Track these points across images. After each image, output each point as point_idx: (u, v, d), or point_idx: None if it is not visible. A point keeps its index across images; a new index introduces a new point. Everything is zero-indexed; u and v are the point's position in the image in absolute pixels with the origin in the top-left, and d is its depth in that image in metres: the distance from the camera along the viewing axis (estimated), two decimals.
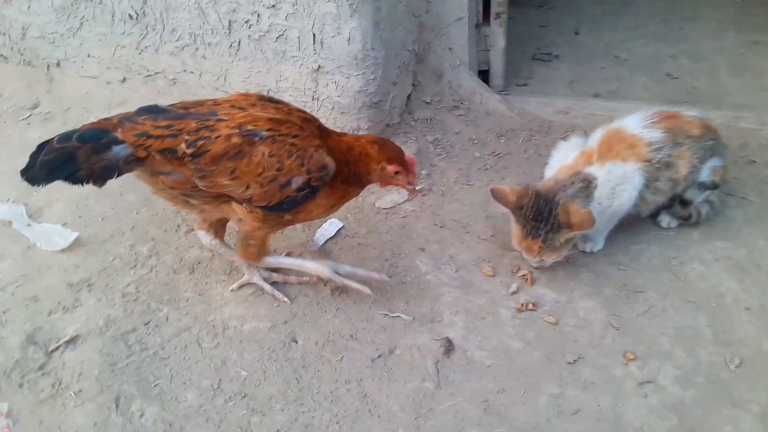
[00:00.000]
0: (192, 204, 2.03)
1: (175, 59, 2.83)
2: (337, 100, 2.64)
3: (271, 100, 2.04)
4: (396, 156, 2.03)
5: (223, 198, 1.97)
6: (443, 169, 2.79)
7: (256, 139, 1.87)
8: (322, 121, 2.68)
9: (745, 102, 3.17)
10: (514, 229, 2.21)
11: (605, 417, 1.84)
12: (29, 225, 2.48)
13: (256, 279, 2.25)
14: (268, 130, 1.88)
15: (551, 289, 2.23)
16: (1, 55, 3.13)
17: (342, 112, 2.66)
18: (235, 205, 1.97)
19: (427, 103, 3.01)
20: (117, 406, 1.91)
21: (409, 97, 2.95)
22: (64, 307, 2.18)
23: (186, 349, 2.06)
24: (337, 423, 1.86)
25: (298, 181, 1.90)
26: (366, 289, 2.14)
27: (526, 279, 2.26)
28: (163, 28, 2.76)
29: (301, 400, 1.92)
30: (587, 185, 2.18)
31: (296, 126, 1.94)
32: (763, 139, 2.85)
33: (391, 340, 2.08)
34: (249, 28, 2.62)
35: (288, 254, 2.37)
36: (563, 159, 2.31)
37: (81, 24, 2.86)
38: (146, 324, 2.13)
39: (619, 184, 2.21)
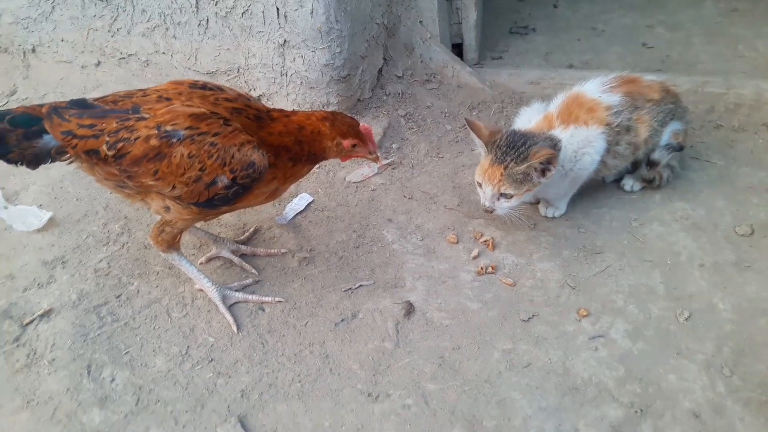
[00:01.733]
0: (127, 193, 2.03)
1: (147, 40, 2.87)
2: (305, 75, 2.68)
3: (204, 87, 1.98)
4: (350, 129, 1.99)
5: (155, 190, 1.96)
6: (414, 142, 2.83)
7: (174, 140, 1.82)
8: (291, 98, 2.77)
9: (717, 68, 3.20)
10: (482, 161, 2.20)
11: (555, 369, 1.90)
12: (5, 207, 2.53)
13: (225, 252, 2.30)
14: (187, 128, 1.83)
15: (511, 253, 2.28)
16: None
17: (311, 87, 2.70)
18: (167, 200, 1.95)
19: (399, 77, 3.04)
20: (89, 373, 1.97)
21: (380, 71, 2.98)
22: (38, 284, 2.24)
23: (156, 319, 2.12)
24: (299, 382, 1.92)
25: (223, 180, 1.86)
26: (272, 299, 2.16)
27: (488, 244, 2.31)
28: (133, 9, 2.80)
29: (265, 362, 1.98)
30: (552, 146, 2.21)
31: (220, 121, 1.87)
32: (729, 104, 2.87)
33: (355, 306, 2.14)
34: (216, 5, 2.65)
35: (198, 263, 2.30)
36: (526, 124, 2.33)
37: (53, 8, 2.91)
38: (117, 297, 2.20)
39: (581, 148, 2.24)
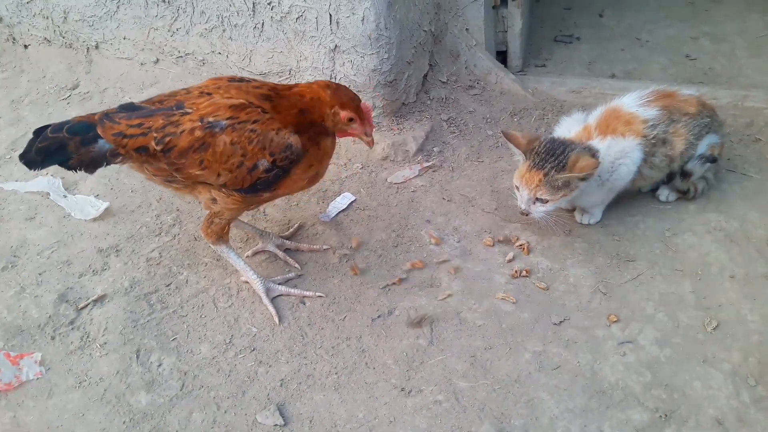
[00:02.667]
0: (176, 187, 2.16)
1: (204, 41, 3.01)
2: (353, 79, 2.78)
3: (241, 80, 2.10)
4: (350, 101, 2.02)
5: (201, 182, 2.08)
6: (455, 146, 2.91)
7: (217, 130, 1.95)
8: None
9: (760, 82, 3.18)
10: (520, 166, 2.26)
11: (583, 372, 1.96)
12: (65, 196, 2.70)
13: (270, 247, 2.42)
14: (228, 118, 1.96)
15: (546, 257, 2.34)
16: (45, 38, 3.36)
17: (358, 90, 2.78)
18: (213, 190, 2.08)
19: (443, 82, 3.12)
20: (137, 357, 2.11)
21: (425, 76, 3.07)
22: (93, 270, 2.39)
23: (202, 308, 2.25)
24: (336, 374, 2.03)
25: (264, 164, 1.97)
26: (313, 294, 2.25)
27: (524, 248, 2.38)
28: (193, 11, 2.94)
29: (304, 353, 2.09)
30: (591, 155, 2.25)
31: (258, 109, 1.99)
32: None
33: (391, 303, 2.23)
34: (271, 9, 2.77)
35: (244, 256, 2.41)
36: (565, 133, 2.38)
37: (118, 7, 3.07)
38: (167, 285, 2.33)
39: (618, 158, 2.29)
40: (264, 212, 2.62)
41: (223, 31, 2.95)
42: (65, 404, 1.99)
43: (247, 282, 2.29)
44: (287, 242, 2.45)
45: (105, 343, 2.15)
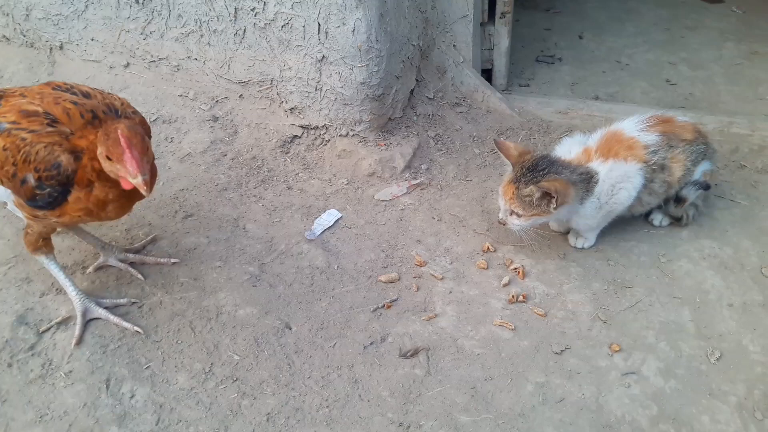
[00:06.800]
0: None
1: (180, 45, 2.85)
2: (340, 92, 2.67)
3: (68, 89, 1.91)
4: (103, 136, 1.72)
5: None
6: (443, 164, 2.82)
7: None
8: (324, 113, 2.75)
9: (739, 109, 3.23)
10: (505, 177, 2.26)
11: (588, 406, 1.88)
12: None
13: (112, 261, 2.25)
14: (11, 122, 1.80)
15: (542, 282, 2.27)
16: (4, 36, 3.13)
17: (345, 104, 2.69)
18: (16, 197, 1.92)
19: (430, 98, 3.04)
20: (107, 387, 1.92)
21: (412, 92, 2.98)
22: (56, 289, 2.18)
23: (179, 333, 2.08)
24: (327, 407, 1.89)
25: (30, 179, 1.79)
26: (131, 326, 2.06)
27: (518, 272, 2.30)
28: (169, 14, 2.78)
29: (292, 384, 1.95)
30: (589, 179, 2.21)
31: (47, 120, 1.80)
32: (753, 145, 2.89)
33: (384, 329, 2.11)
34: (255, 15, 2.64)
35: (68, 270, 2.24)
36: (566, 153, 2.33)
37: (86, 6, 2.87)
38: (140, 307, 2.15)
39: (619, 182, 2.25)
40: (244, 228, 2.47)
41: (201, 36, 2.80)
42: None
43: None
44: (130, 255, 2.28)
45: (70, 371, 1.95)
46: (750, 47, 3.82)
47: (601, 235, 2.42)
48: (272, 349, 2.04)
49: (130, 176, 1.68)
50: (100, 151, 1.72)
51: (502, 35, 3.19)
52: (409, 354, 2.02)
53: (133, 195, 1.85)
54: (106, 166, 1.74)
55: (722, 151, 2.83)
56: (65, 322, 2.09)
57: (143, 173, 1.67)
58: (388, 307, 2.18)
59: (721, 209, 2.57)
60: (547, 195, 2.11)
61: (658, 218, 2.48)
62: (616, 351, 2.02)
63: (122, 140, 1.66)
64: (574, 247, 2.40)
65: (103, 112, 1.87)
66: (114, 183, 1.81)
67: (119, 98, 2.00)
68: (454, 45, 3.07)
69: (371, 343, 2.06)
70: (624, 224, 2.46)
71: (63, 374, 1.94)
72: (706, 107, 3.26)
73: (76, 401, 1.88)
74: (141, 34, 2.88)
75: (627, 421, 1.84)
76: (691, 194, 2.38)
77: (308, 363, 2.01)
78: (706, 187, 2.41)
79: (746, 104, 3.30)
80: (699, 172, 2.38)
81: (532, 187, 2.12)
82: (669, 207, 2.43)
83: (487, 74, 3.30)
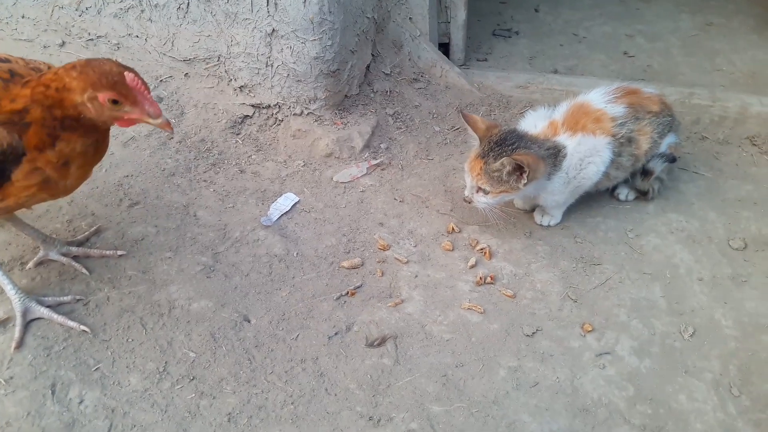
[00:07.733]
0: None
1: (119, 22, 2.65)
2: (292, 67, 2.52)
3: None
4: (102, 77, 1.54)
5: None
6: (402, 143, 2.72)
7: None
8: (276, 90, 2.60)
9: (698, 80, 3.22)
10: (472, 152, 2.18)
11: (563, 389, 1.82)
12: None
13: (53, 255, 2.10)
14: None
15: (509, 262, 2.20)
16: None
17: (298, 80, 2.55)
18: None
19: (387, 74, 2.92)
20: (53, 393, 1.78)
21: (368, 67, 2.85)
22: None
23: (129, 331, 1.94)
24: (292, 404, 1.78)
25: None
26: (76, 326, 1.92)
27: (485, 253, 2.22)
28: None
29: (253, 381, 1.83)
30: (556, 153, 2.14)
31: None
32: (714, 116, 2.87)
33: (348, 317, 2.01)
34: None
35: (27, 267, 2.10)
36: (531, 128, 2.25)
37: None
38: (85, 304, 2.00)
39: (587, 156, 2.18)
40: (195, 215, 2.32)
41: (142, 11, 2.62)
42: None
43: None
44: (73, 249, 2.13)
45: (11, 377, 1.80)
46: (705, 18, 3.82)
47: (567, 212, 2.36)
48: (230, 345, 1.92)
49: (151, 117, 1.59)
50: (91, 95, 1.55)
51: (458, 7, 3.09)
52: (376, 343, 1.93)
53: (100, 146, 1.72)
54: (102, 110, 1.58)
55: (684, 122, 2.81)
56: (4, 323, 1.93)
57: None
58: (352, 294, 2.08)
59: (685, 182, 2.55)
60: (518, 169, 2.03)
61: (623, 193, 2.43)
62: (589, 331, 1.97)
63: (136, 82, 1.55)
64: (540, 224, 2.34)
65: (26, 72, 1.68)
66: (86, 129, 1.64)
67: (45, 63, 1.81)
68: (410, 18, 2.95)
69: (336, 333, 1.96)
70: (589, 200, 2.41)
71: (3, 381, 1.79)
72: (665, 79, 3.24)
73: (18, 410, 1.73)
74: (76, 10, 2.67)
75: (604, 403, 1.78)
76: (657, 167, 2.34)
77: (270, 357, 1.89)
78: (673, 159, 2.37)
79: (704, 75, 3.29)
80: (665, 145, 2.34)
81: (504, 159, 2.03)
82: (635, 180, 2.38)
83: (444, 49, 3.19)
